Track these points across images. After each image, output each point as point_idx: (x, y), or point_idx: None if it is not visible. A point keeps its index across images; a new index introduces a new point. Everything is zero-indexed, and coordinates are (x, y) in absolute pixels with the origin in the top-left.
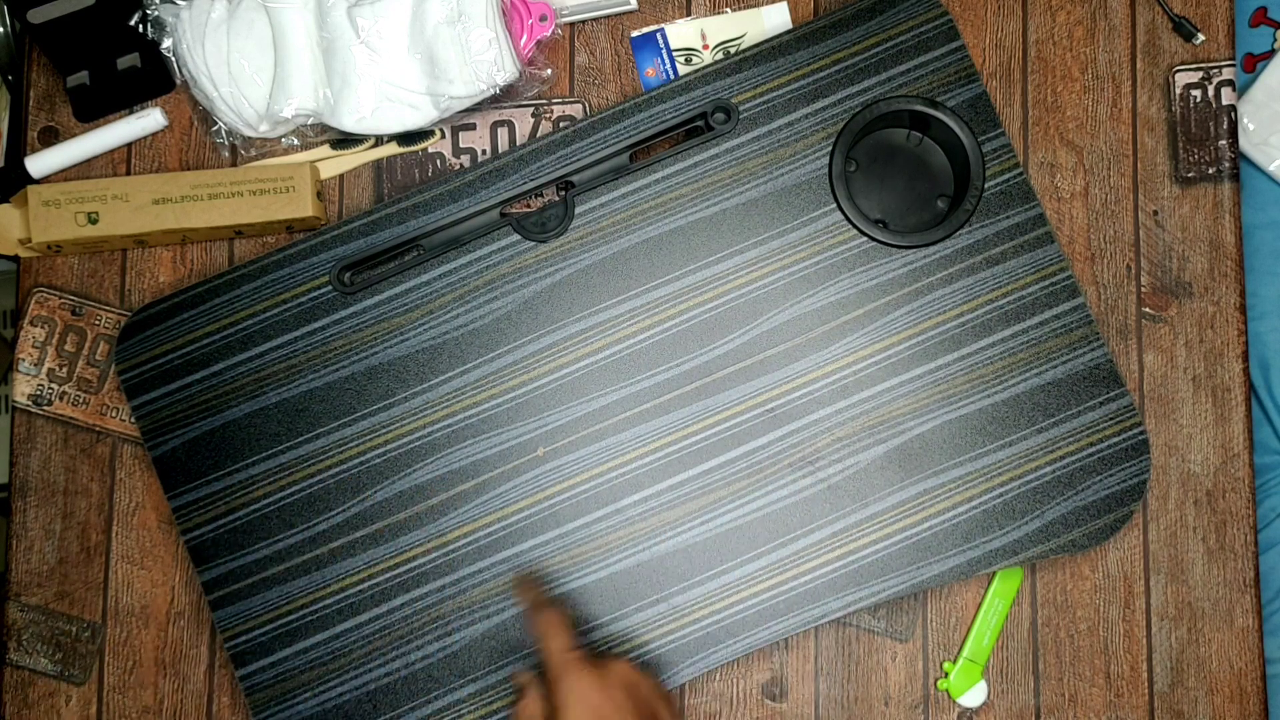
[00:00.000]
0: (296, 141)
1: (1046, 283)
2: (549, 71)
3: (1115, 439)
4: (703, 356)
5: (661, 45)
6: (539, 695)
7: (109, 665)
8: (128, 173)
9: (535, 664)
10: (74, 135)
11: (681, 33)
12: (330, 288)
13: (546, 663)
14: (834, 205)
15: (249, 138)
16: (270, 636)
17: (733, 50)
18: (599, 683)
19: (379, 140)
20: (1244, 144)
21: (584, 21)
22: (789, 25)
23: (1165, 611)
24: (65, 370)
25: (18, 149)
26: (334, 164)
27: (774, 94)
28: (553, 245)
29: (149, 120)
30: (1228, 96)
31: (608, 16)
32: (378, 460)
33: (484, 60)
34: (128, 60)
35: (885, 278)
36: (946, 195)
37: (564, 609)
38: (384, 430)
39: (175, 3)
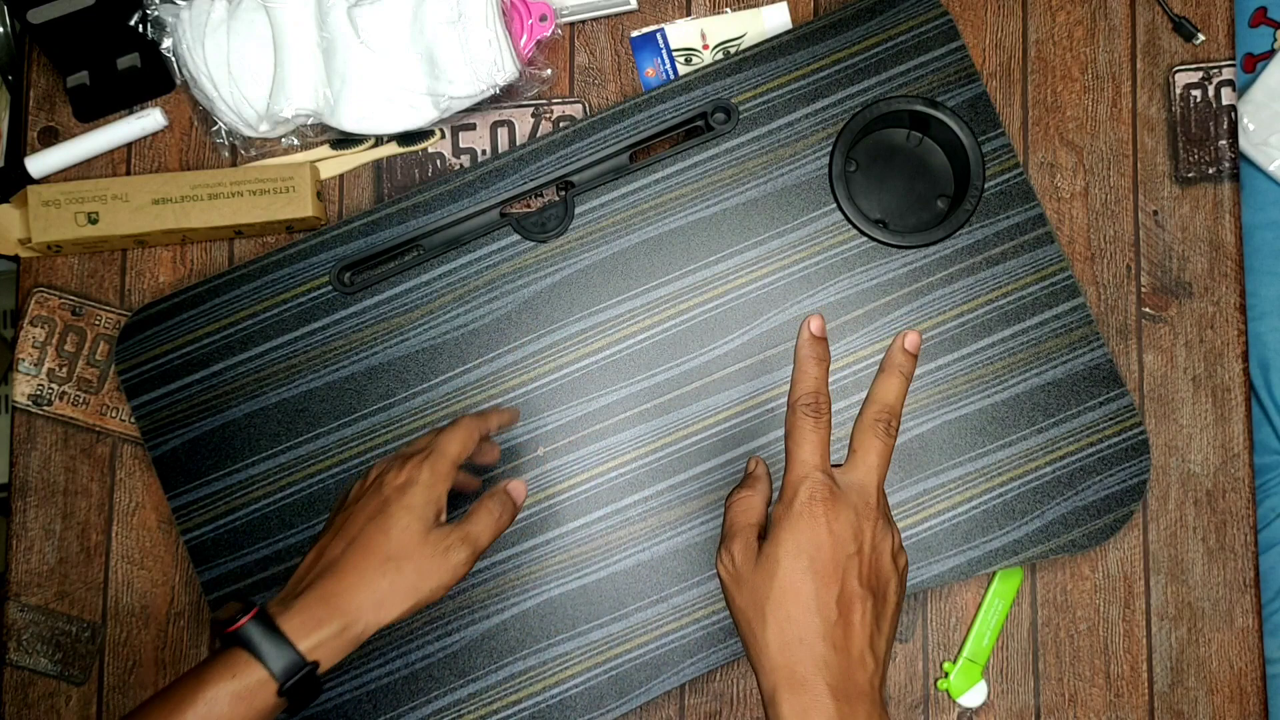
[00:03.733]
0: (296, 141)
1: (1046, 283)
2: (549, 71)
3: (1115, 439)
4: (703, 356)
5: (661, 45)
6: (764, 497)
7: (109, 665)
8: (128, 173)
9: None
10: (74, 135)
11: (681, 33)
12: (330, 288)
13: (789, 473)
14: (834, 205)
15: (249, 138)
16: None
17: (733, 50)
18: (833, 525)
19: (379, 140)
20: (1244, 144)
21: (584, 21)
22: (789, 25)
23: (1165, 611)
24: (65, 370)
25: (18, 149)
26: (334, 164)
27: (774, 94)
28: (553, 245)
29: (149, 120)
30: (1228, 96)
31: (608, 16)
32: (378, 460)
33: (484, 60)
34: (128, 60)
35: (885, 278)
36: (946, 195)
37: (828, 417)
38: (384, 430)
39: (175, 3)
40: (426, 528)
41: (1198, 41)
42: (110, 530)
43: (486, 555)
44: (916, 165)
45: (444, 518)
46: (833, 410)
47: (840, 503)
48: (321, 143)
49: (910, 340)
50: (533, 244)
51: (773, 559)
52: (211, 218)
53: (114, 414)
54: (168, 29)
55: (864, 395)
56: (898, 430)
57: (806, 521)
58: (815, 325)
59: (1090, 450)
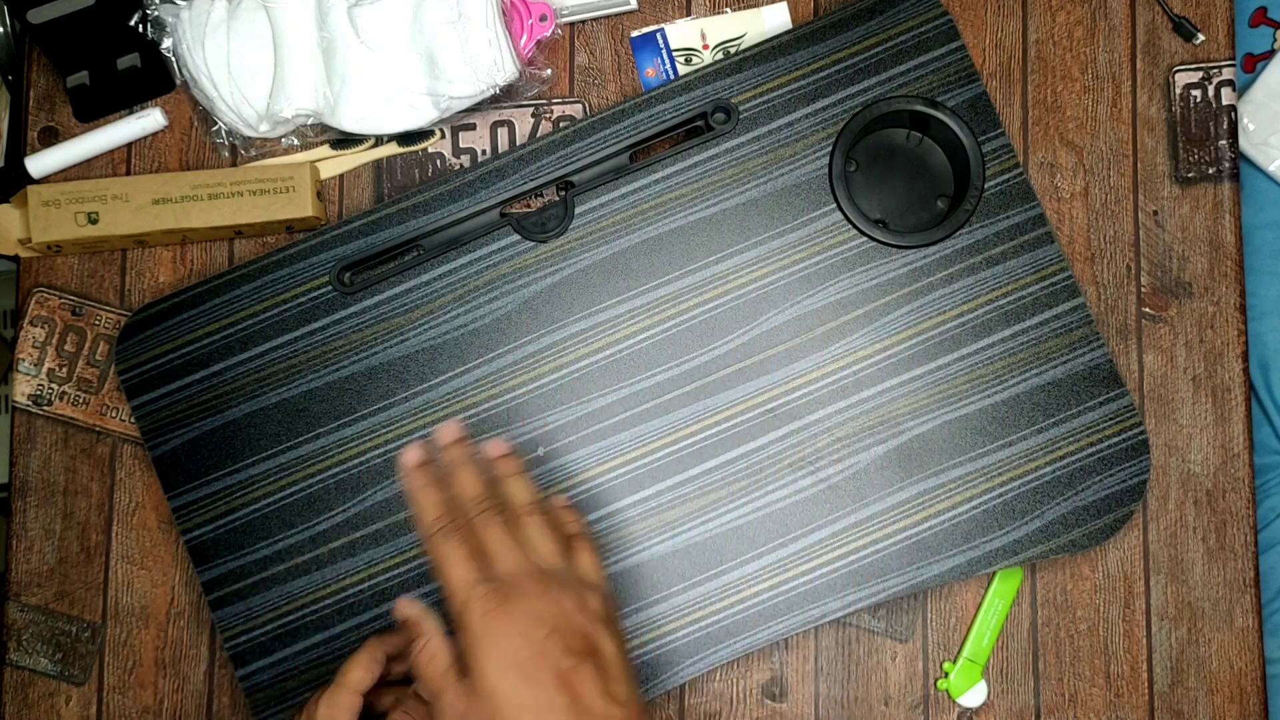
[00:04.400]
0: (296, 141)
1: (1046, 283)
2: (549, 71)
3: (1115, 439)
4: (703, 356)
5: (661, 45)
6: (442, 636)
7: (109, 665)
8: (128, 173)
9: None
10: (74, 135)
11: (681, 33)
12: (330, 288)
13: (452, 601)
14: (834, 205)
15: (249, 138)
16: (270, 636)
17: (733, 50)
18: (516, 624)
19: (379, 140)
20: (1244, 144)
21: (584, 21)
22: (789, 25)
23: (1165, 611)
24: (65, 370)
25: (18, 149)
26: (334, 164)
27: (774, 94)
28: (553, 245)
29: (149, 120)
30: (1228, 96)
31: (608, 16)
32: (378, 460)
33: (484, 60)
34: (128, 60)
35: (885, 278)
36: (946, 195)
37: (469, 535)
38: (384, 430)
39: (175, 3)
40: None
41: (1198, 41)
42: (110, 530)
43: None
44: (916, 165)
45: None
46: (832, 409)
47: (510, 598)
48: (321, 143)
49: (448, 432)
50: (533, 244)
51: (486, 689)
52: (211, 218)
53: (114, 414)
54: (168, 29)
55: (863, 395)
56: (498, 509)
57: (492, 637)
58: (412, 457)
59: (1090, 450)
